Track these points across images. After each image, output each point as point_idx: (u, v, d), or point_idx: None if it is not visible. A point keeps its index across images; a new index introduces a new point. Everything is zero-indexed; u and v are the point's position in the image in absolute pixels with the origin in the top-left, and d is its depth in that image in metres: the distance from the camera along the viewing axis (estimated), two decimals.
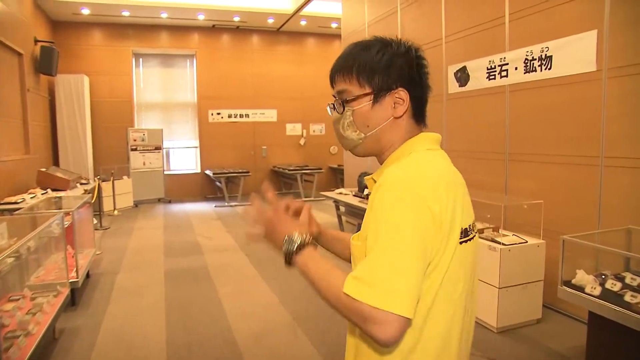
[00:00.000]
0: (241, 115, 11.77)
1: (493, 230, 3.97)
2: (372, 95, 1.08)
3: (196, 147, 11.75)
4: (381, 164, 1.14)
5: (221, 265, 5.63)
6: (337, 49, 12.55)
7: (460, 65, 5.13)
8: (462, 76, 5.11)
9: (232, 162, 11.71)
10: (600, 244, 3.32)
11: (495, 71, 4.63)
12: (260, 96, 11.94)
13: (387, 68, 1.07)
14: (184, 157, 11.90)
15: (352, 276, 0.92)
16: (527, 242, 3.74)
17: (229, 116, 11.66)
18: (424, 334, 0.98)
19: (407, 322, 0.88)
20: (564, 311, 3.99)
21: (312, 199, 10.83)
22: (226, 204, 10.21)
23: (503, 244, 3.62)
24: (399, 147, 1.10)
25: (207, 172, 11.13)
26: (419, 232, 0.91)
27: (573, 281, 2.86)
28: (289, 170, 10.90)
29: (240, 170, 10.55)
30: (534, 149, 4.31)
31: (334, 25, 11.44)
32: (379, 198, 0.96)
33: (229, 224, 8.20)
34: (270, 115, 12.05)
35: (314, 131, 12.56)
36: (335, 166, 12.44)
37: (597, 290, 2.67)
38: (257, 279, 5.12)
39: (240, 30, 11.61)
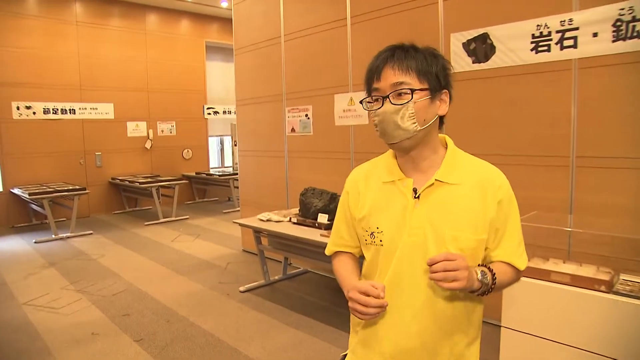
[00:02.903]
0: (64, 111, 8.58)
1: (603, 274, 2.47)
2: (429, 92, 1.21)
3: None
4: (418, 162, 1.28)
5: None
6: (187, 30, 10.15)
7: (476, 33, 3.57)
8: (480, 48, 3.56)
9: (52, 175, 8.47)
10: None
11: (550, 39, 3.17)
12: (90, 85, 8.90)
13: (442, 70, 1.23)
14: None
15: (517, 257, 1.28)
16: None
17: (46, 111, 8.38)
18: None
19: None
20: None
21: (173, 218, 8.32)
22: (53, 236, 7.12)
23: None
24: (445, 145, 1.31)
25: (16, 190, 7.77)
26: None
27: None
28: (140, 182, 8.21)
29: (72, 187, 7.50)
30: (616, 151, 2.96)
31: (224, 4, 9.24)
32: (509, 196, 1.27)
33: (72, 271, 5.41)
34: (105, 110, 9.09)
35: (162, 131, 9.95)
36: (193, 174, 10.03)
37: None
38: None
39: None
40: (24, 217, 8.26)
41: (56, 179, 8.45)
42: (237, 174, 9.29)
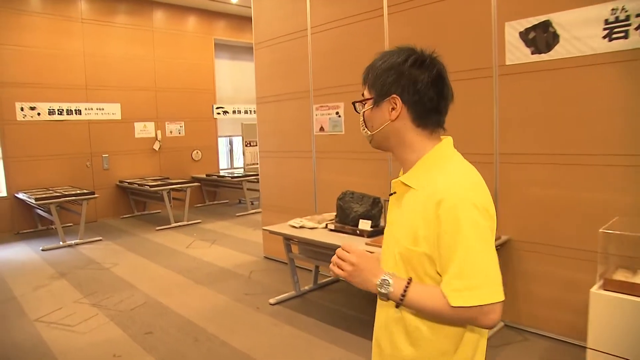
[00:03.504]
0: (69, 111, 8.22)
1: None
2: (373, 100, 1.25)
3: None
4: (402, 163, 1.27)
5: None
6: (195, 27, 9.80)
7: (535, 20, 3.22)
8: (541, 37, 3.21)
9: (57, 178, 8.11)
10: None
11: (628, 25, 2.83)
12: (96, 85, 8.54)
13: (384, 76, 1.21)
14: None
15: (452, 289, 1.08)
16: None
17: (51, 112, 8.02)
18: None
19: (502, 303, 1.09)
20: None
21: (185, 223, 7.96)
22: (61, 243, 6.76)
23: None
24: (427, 153, 1.23)
25: (21, 195, 7.42)
26: (490, 233, 1.13)
27: None
28: (150, 186, 7.85)
29: (80, 192, 7.14)
30: None
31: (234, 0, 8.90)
32: (447, 211, 1.10)
33: (84, 282, 5.05)
34: (112, 111, 8.73)
35: (171, 132, 9.59)
36: (203, 176, 9.67)
37: None
38: None
39: None
40: (29, 222, 7.89)
41: (62, 183, 8.09)
42: (250, 175, 8.96)
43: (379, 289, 1.17)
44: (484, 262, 1.09)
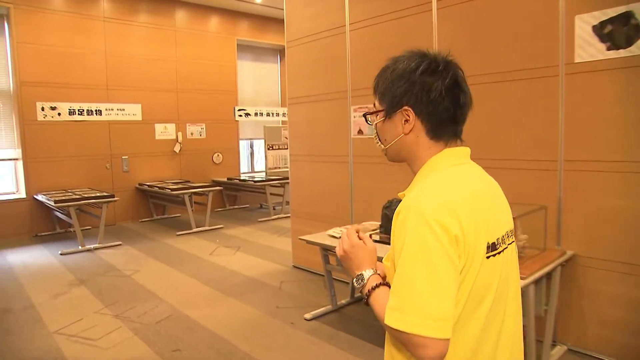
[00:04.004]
0: (90, 112, 8.02)
1: None
2: (384, 112, 1.17)
3: (15, 159, 7.67)
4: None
5: None
6: (218, 27, 9.58)
7: (613, 12, 2.90)
8: (620, 31, 2.89)
9: (76, 180, 7.90)
10: None
11: None
12: (117, 85, 8.34)
13: (395, 86, 1.13)
14: None
15: (388, 307, 1.00)
16: None
17: (71, 112, 7.82)
18: (451, 349, 0.99)
19: (447, 342, 0.95)
20: None
21: (206, 228, 7.70)
22: (80, 247, 6.52)
23: None
24: (424, 164, 1.16)
25: (40, 197, 7.21)
26: (440, 254, 0.96)
27: None
28: (171, 189, 7.60)
29: (100, 194, 6.91)
30: None
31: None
32: (399, 224, 1.04)
33: (105, 290, 4.79)
34: (133, 111, 8.52)
35: (192, 134, 9.35)
36: (224, 180, 9.42)
37: None
38: None
39: None
40: (47, 225, 7.68)
41: (81, 185, 7.89)
42: (272, 179, 8.68)
43: (353, 281, 1.17)
44: (418, 286, 0.96)
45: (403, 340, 0.99)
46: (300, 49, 5.16)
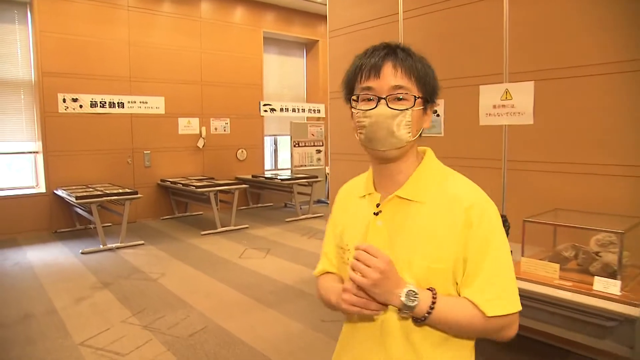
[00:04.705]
0: (112, 104, 7.70)
1: None
2: (423, 102, 1.11)
3: (36, 152, 7.38)
4: (393, 176, 1.15)
5: None
6: (244, 19, 9.22)
7: None
8: None
9: (97, 175, 7.60)
10: None
11: None
12: (141, 77, 8.01)
13: (434, 80, 1.13)
14: (14, 169, 7.45)
15: (485, 300, 1.02)
16: None
17: (93, 104, 7.51)
18: None
19: None
20: None
21: (232, 227, 7.35)
22: (101, 246, 6.21)
23: None
24: (421, 160, 1.16)
25: (60, 192, 6.91)
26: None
27: None
28: (196, 186, 7.26)
29: (122, 191, 6.59)
30: None
31: None
32: (478, 216, 1.05)
33: (130, 295, 4.45)
34: (156, 104, 8.19)
35: (215, 129, 9.01)
36: (248, 177, 9.06)
37: None
38: None
39: None
40: (67, 221, 7.39)
41: (102, 180, 7.58)
42: (300, 178, 8.30)
43: (404, 302, 1.00)
44: (512, 271, 1.07)
45: (502, 324, 1.05)
46: (343, 39, 4.77)
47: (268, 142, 10.33)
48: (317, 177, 8.53)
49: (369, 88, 1.09)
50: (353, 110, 1.14)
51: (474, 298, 1.03)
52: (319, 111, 10.42)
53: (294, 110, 10.11)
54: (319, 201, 9.51)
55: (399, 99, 1.07)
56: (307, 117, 10.35)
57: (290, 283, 4.78)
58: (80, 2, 7.34)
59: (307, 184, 8.33)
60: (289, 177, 8.51)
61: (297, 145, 9.19)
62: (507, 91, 3.49)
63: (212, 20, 8.83)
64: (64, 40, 7.20)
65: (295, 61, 10.71)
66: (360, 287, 1.00)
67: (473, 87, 3.69)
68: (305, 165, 9.30)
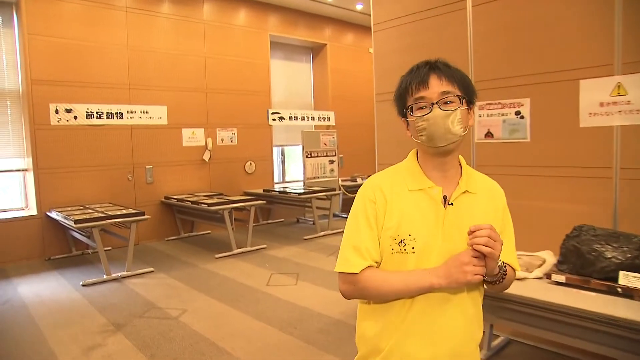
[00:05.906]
0: (110, 115, 6.95)
1: None
2: (467, 102, 1.33)
3: (25, 169, 6.59)
4: (445, 171, 1.36)
5: None
6: (249, 21, 8.56)
7: None
8: None
9: (95, 193, 6.83)
10: None
11: None
12: (141, 84, 7.28)
13: (470, 83, 1.35)
14: (0, 189, 6.65)
15: (515, 259, 1.43)
16: None
17: (89, 115, 6.75)
18: None
19: None
20: None
21: (248, 248, 6.63)
22: (105, 276, 5.44)
23: None
24: (461, 160, 1.41)
25: (54, 214, 6.13)
26: None
27: None
28: (208, 204, 6.53)
29: (127, 212, 5.82)
30: None
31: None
32: (504, 203, 1.44)
33: (151, 341, 3.71)
34: (157, 114, 7.46)
35: (222, 140, 8.29)
36: (259, 191, 8.35)
37: None
38: None
39: None
40: (62, 246, 6.59)
41: (100, 199, 6.82)
42: (318, 191, 7.61)
43: (500, 268, 1.31)
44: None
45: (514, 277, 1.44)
46: (392, 32, 4.13)
47: (275, 153, 9.63)
48: (335, 189, 7.86)
49: (421, 98, 1.30)
50: (409, 119, 1.34)
51: (508, 260, 1.40)
52: (328, 119, 9.78)
53: (303, 118, 9.44)
54: (334, 215, 8.82)
55: (448, 102, 1.29)
56: (315, 126, 9.69)
57: (338, 317, 4.08)
58: (74, 2, 6.60)
59: (325, 197, 7.65)
60: (306, 190, 7.81)
61: (309, 156, 8.52)
62: (619, 85, 2.88)
63: (216, 23, 8.15)
64: (56, 44, 6.45)
65: (301, 66, 10.07)
66: (480, 258, 1.23)
67: (569, 83, 3.07)
68: (319, 177, 8.63)
